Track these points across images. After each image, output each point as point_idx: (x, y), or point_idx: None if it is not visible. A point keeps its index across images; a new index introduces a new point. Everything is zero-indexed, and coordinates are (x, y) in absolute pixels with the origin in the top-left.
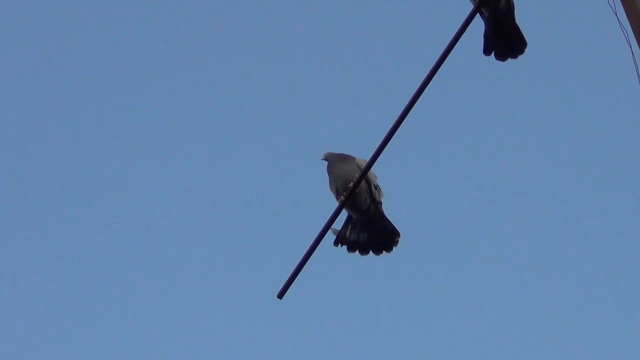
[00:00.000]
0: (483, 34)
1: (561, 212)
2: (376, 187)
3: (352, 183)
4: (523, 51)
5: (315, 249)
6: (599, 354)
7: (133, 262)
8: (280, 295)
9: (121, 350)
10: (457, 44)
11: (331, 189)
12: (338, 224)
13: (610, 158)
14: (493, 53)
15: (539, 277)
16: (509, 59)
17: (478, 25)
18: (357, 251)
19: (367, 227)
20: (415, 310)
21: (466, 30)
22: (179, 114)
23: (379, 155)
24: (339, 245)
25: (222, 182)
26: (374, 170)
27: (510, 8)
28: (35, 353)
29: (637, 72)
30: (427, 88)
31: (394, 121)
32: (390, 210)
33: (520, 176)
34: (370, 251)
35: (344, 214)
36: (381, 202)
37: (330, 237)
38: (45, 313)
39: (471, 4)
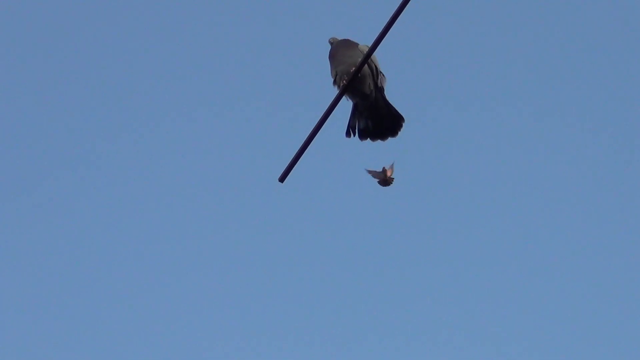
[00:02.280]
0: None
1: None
2: (379, 71)
3: (354, 68)
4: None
5: (317, 132)
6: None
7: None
8: (282, 179)
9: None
10: None
11: (332, 76)
12: (342, 119)
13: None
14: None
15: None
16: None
17: None
18: (369, 138)
19: (372, 114)
20: (418, 198)
21: None
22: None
23: (382, 39)
24: (351, 135)
25: (224, 72)
26: (377, 55)
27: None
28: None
29: None
30: None
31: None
32: (393, 96)
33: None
34: (378, 139)
35: (348, 106)
36: (384, 88)
37: (332, 124)
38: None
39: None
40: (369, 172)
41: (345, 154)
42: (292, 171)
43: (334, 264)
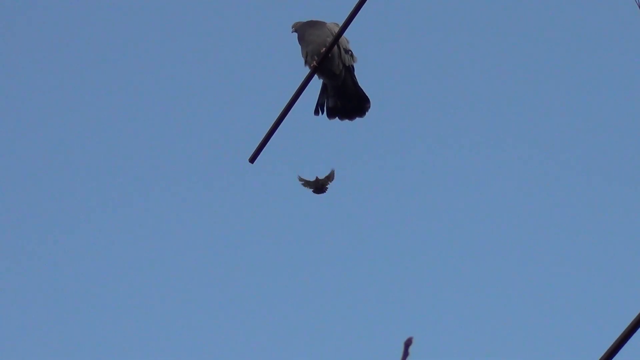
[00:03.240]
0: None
1: None
2: (347, 51)
3: (324, 48)
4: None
5: (288, 112)
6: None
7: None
8: (252, 159)
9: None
10: None
11: (303, 56)
12: (312, 98)
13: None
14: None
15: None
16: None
17: None
18: (337, 117)
19: (341, 94)
20: (386, 174)
21: None
22: None
23: (353, 18)
24: (319, 113)
25: (195, 51)
26: (347, 35)
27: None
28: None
29: None
30: None
31: None
32: (363, 78)
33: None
34: (346, 118)
35: (317, 85)
36: (353, 67)
37: (302, 105)
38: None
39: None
40: (301, 180)
41: (315, 133)
42: (262, 152)
43: (306, 246)
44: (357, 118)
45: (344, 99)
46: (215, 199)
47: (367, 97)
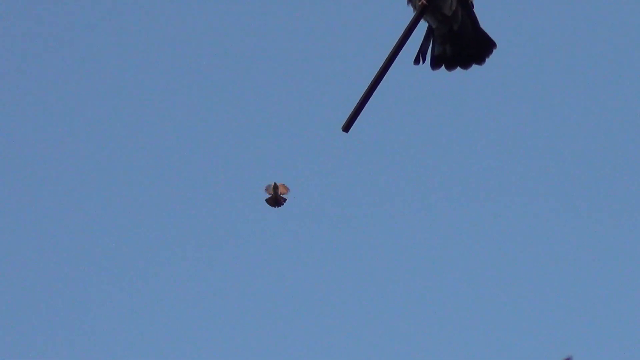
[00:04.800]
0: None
1: None
2: None
3: None
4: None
5: (386, 71)
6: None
7: None
8: (346, 128)
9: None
10: None
11: None
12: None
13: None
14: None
15: None
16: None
17: None
18: (444, 66)
19: (453, 39)
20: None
21: None
22: None
23: None
24: (421, 61)
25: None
26: None
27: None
28: None
29: None
30: None
31: None
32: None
33: None
34: (458, 66)
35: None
36: (472, 4)
37: (405, 56)
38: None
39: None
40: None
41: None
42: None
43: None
44: (474, 65)
45: (457, 45)
46: (308, 168)
47: (490, 40)
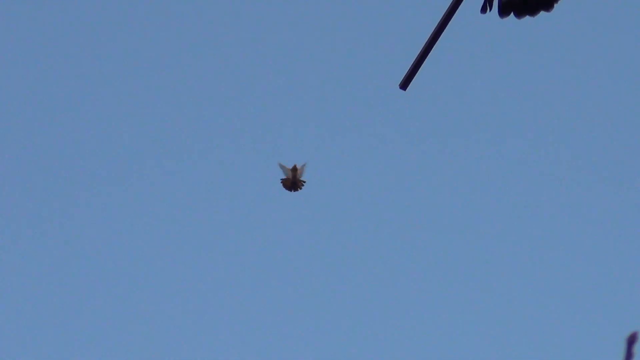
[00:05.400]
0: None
1: None
2: None
3: None
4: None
5: (447, 23)
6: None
7: None
8: (404, 85)
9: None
10: None
11: None
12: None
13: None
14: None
15: None
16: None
17: None
18: (512, 13)
19: None
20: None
21: None
22: None
23: None
24: (487, 9)
25: None
26: None
27: None
28: None
29: None
30: None
31: None
32: None
33: None
34: (526, 14)
35: None
36: None
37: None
38: None
39: None
40: (281, 166)
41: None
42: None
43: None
44: (542, 12)
45: None
46: (367, 126)
47: None
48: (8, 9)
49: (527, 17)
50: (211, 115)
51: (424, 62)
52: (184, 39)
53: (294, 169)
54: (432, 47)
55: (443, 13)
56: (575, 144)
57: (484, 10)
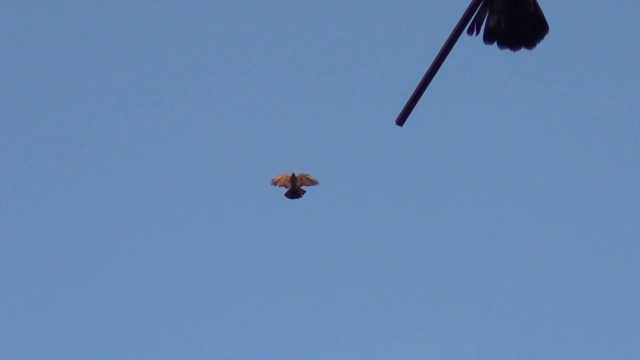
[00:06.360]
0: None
1: None
2: None
3: None
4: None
5: (444, 57)
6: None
7: None
8: (400, 121)
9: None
10: None
11: None
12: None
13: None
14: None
15: None
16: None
17: None
18: (496, 42)
19: (510, 10)
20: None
21: None
22: None
23: None
24: (474, 32)
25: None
26: None
27: None
28: None
29: None
30: None
31: None
32: None
33: None
34: (507, 46)
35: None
36: None
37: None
38: None
39: None
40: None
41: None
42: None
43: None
44: (522, 48)
45: (513, 18)
46: (363, 162)
47: (545, 22)
48: (8, 9)
49: (509, 51)
50: (212, 117)
51: (420, 98)
52: (182, 48)
53: (293, 178)
54: (428, 84)
55: (439, 50)
56: (575, 184)
57: (470, 32)
